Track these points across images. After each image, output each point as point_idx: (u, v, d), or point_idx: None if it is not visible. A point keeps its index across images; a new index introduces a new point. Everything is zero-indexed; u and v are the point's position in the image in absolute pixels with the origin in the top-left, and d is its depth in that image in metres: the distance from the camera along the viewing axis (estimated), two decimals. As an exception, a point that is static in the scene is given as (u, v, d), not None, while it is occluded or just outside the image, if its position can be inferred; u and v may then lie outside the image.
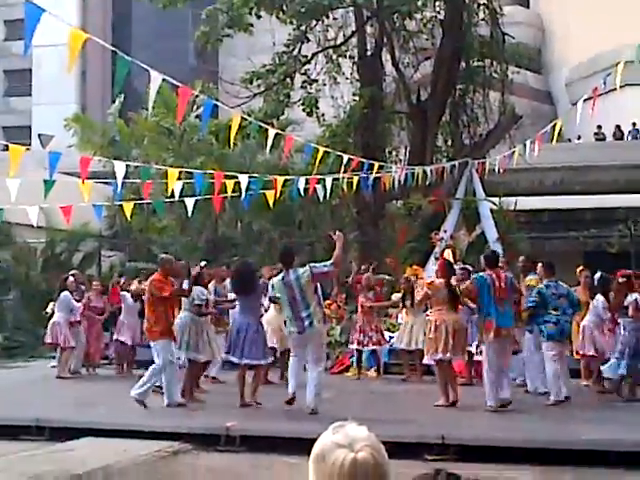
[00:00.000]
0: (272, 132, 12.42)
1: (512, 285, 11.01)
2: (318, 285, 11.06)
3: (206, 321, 12.43)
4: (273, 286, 10.81)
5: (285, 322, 11.16)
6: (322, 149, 14.17)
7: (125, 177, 12.33)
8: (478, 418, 10.66)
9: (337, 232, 10.82)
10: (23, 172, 11.96)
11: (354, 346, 15.16)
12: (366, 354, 15.53)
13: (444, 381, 11.45)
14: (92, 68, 48.46)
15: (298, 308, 10.33)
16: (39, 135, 35.08)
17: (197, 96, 11.45)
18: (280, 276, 10.53)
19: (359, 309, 15.30)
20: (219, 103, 14.00)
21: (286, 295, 10.42)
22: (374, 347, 15.21)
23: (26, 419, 10.22)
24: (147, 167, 15.57)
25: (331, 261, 10.41)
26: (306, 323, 10.29)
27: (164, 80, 9.15)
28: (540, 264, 12.07)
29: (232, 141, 14.39)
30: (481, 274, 10.95)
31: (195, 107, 20.58)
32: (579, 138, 34.14)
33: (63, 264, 22.88)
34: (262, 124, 13.02)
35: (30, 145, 14.01)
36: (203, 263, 12.86)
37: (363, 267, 16.24)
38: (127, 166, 13.19)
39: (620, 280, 11.83)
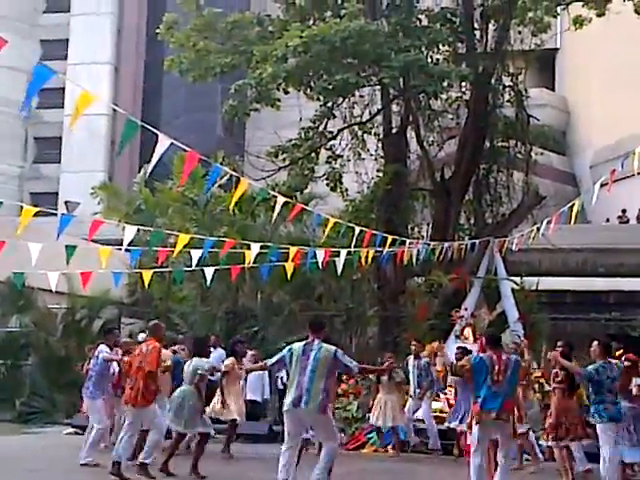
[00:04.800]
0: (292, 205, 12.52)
1: (516, 367, 10.45)
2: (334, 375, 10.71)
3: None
4: (290, 351, 9.98)
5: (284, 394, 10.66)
6: (332, 220, 14.21)
7: (147, 246, 12.43)
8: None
9: (390, 361, 11.63)
10: (46, 238, 12.10)
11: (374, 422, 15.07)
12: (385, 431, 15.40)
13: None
14: (120, 137, 49.21)
15: (303, 380, 9.64)
16: (65, 202, 35.49)
17: (224, 169, 11.56)
18: (303, 342, 9.97)
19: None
20: (247, 179, 14.15)
21: (299, 363, 9.77)
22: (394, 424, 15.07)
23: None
24: (159, 232, 15.61)
25: (359, 367, 10.17)
26: (304, 398, 9.55)
27: (172, 145, 9.18)
28: (596, 342, 11.53)
29: (234, 203, 14.39)
30: (481, 355, 10.56)
31: (219, 178, 20.79)
32: (607, 221, 34.12)
33: (83, 330, 22.90)
34: (284, 197, 13.10)
35: (57, 212, 14.23)
36: None
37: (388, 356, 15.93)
38: (148, 234, 13.33)
39: (625, 364, 11.57)
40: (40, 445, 16.12)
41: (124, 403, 11.61)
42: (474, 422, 10.05)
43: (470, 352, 13.37)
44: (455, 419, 13.95)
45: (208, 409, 13.41)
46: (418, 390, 15.30)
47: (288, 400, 9.66)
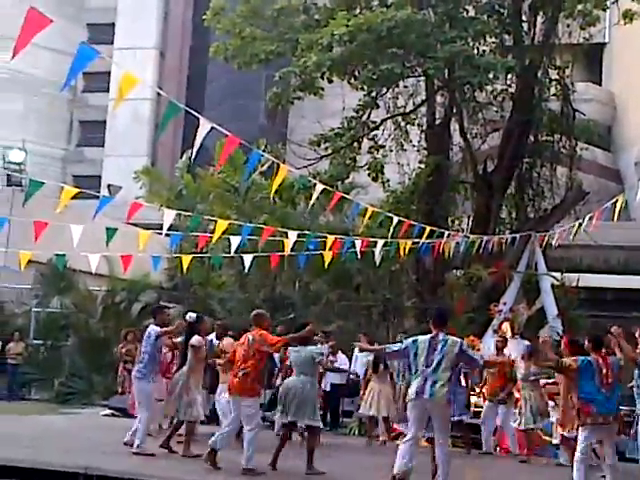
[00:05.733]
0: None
1: (618, 368, 10.49)
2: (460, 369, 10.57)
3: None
4: (415, 343, 9.81)
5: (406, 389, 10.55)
6: (370, 209, 14.17)
7: (188, 231, 12.49)
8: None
9: None
10: (88, 221, 12.20)
11: None
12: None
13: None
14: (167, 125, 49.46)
15: (428, 372, 9.60)
16: (108, 185, 35.79)
17: (263, 155, 11.55)
18: (429, 336, 9.85)
19: None
20: (287, 166, 14.14)
21: (425, 355, 9.68)
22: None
23: (75, 466, 10.23)
24: (197, 217, 15.69)
25: (484, 360, 10.17)
26: (428, 389, 9.53)
27: (213, 130, 9.18)
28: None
29: (274, 190, 14.39)
30: (588, 358, 10.59)
31: (260, 165, 20.84)
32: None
33: (122, 313, 23.13)
34: (326, 186, 13.09)
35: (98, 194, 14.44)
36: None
37: None
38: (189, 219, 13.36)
39: None
40: (77, 426, 16.30)
41: (233, 393, 10.84)
42: (580, 424, 10.05)
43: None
44: None
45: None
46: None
47: (412, 390, 9.66)
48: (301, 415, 10.96)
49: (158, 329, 12.09)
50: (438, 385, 9.51)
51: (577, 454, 9.91)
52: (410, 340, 9.93)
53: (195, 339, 12.16)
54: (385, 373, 15.07)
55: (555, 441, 13.11)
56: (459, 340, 9.91)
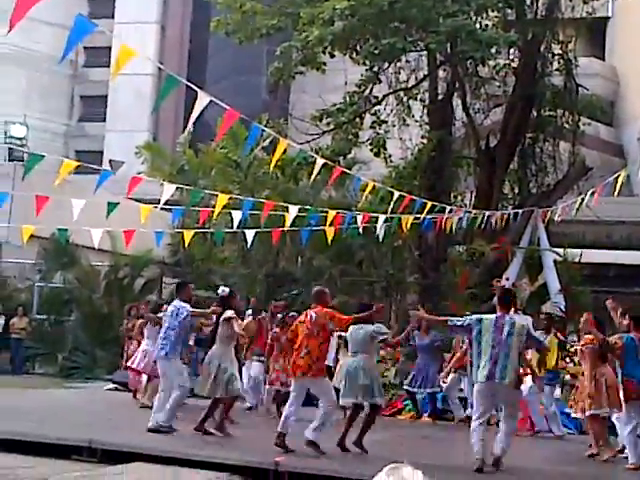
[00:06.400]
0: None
1: None
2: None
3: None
4: (480, 322, 9.77)
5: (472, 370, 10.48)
6: (371, 184, 14.18)
7: (189, 206, 12.47)
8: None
9: None
10: (90, 196, 12.21)
11: (409, 388, 15.07)
12: (422, 398, 15.43)
13: (602, 435, 11.27)
14: (166, 98, 49.31)
15: (497, 354, 9.55)
16: (110, 161, 35.69)
17: (264, 130, 11.51)
18: (495, 316, 9.79)
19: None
20: (288, 140, 14.13)
21: (491, 336, 9.63)
22: (431, 390, 15.09)
23: (79, 440, 10.27)
24: (198, 191, 15.66)
25: (547, 342, 10.22)
26: (498, 372, 9.50)
27: (216, 105, 9.13)
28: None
29: (274, 165, 14.39)
30: (630, 335, 10.70)
31: (262, 140, 20.75)
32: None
33: (125, 288, 23.21)
34: (327, 160, 13.07)
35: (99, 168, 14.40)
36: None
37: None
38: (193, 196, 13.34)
39: None
40: (81, 400, 16.40)
41: (298, 375, 10.42)
42: (625, 400, 10.39)
43: None
44: (415, 385, 14.75)
45: None
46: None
47: (483, 373, 9.60)
48: (369, 395, 10.80)
49: (189, 307, 11.64)
50: (509, 369, 9.52)
51: (627, 430, 10.37)
52: (475, 317, 9.90)
53: (229, 313, 11.74)
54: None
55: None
56: (525, 322, 9.99)
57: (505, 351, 9.53)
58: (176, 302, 11.72)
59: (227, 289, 12.18)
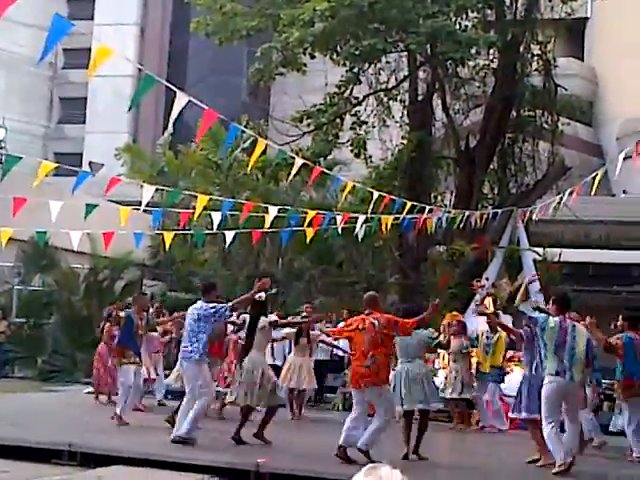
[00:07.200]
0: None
1: None
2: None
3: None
4: (546, 320, 9.77)
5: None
6: (350, 184, 14.22)
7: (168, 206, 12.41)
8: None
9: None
10: (69, 198, 12.15)
11: None
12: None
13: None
14: (146, 99, 49.11)
15: (564, 354, 9.60)
16: (89, 163, 35.55)
17: (244, 131, 11.48)
18: (558, 318, 9.77)
19: None
20: (268, 141, 14.12)
21: (556, 336, 9.65)
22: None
23: (59, 443, 10.22)
24: (176, 192, 15.64)
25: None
26: (568, 372, 9.57)
27: (196, 106, 9.10)
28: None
29: (253, 165, 14.39)
30: (628, 334, 10.94)
31: (242, 142, 20.77)
32: (624, 192, 33.87)
33: (105, 291, 23.07)
34: (306, 161, 13.07)
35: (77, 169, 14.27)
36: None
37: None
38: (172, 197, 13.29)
39: None
40: (61, 403, 16.30)
41: (363, 385, 9.96)
42: (623, 397, 10.72)
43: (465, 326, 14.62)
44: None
45: None
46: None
47: (552, 371, 9.64)
48: (426, 401, 10.74)
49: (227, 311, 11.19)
50: (577, 370, 9.65)
51: (632, 426, 10.63)
52: (544, 315, 9.93)
53: (265, 320, 11.49)
54: (307, 347, 14.83)
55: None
56: (584, 328, 10.02)
57: (572, 353, 9.66)
58: (202, 304, 11.08)
59: (264, 295, 11.63)
